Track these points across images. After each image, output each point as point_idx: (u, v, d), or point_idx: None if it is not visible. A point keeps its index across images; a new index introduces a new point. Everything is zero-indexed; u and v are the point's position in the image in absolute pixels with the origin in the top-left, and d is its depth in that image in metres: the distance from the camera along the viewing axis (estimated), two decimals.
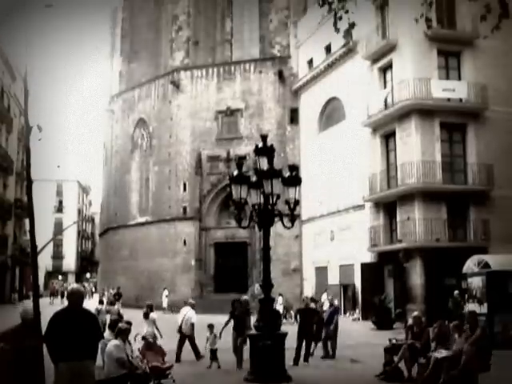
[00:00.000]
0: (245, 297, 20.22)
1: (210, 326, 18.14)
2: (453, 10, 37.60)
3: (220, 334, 18.19)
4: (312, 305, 21.25)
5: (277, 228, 17.17)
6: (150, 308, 19.39)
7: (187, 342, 19.10)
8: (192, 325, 19.13)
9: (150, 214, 57.28)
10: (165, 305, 47.15)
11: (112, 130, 65.12)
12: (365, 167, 40.54)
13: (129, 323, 13.12)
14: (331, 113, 47.66)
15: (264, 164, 15.46)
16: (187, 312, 19.44)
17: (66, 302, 9.50)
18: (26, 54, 16.92)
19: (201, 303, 43.93)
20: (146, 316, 18.99)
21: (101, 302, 33.22)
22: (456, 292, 28.89)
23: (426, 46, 37.27)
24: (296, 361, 18.29)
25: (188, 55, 56.78)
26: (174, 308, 47.11)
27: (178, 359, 18.29)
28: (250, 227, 17.03)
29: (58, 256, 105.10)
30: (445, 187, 35.79)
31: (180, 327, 19.20)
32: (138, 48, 63.00)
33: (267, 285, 16.01)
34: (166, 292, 48.76)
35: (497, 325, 22.36)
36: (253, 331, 15.91)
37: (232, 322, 18.31)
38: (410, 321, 17.33)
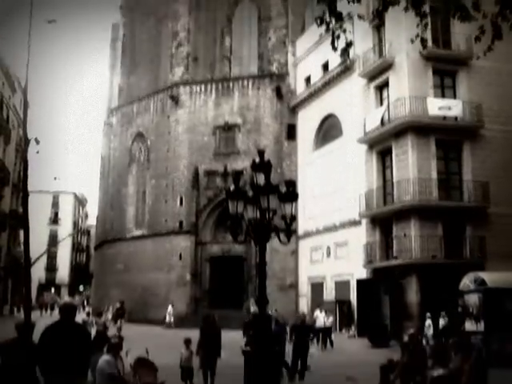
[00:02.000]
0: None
1: (187, 341, 16.78)
2: (448, 31, 37.92)
3: (197, 351, 16.95)
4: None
5: (273, 243, 17.12)
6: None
7: None
8: None
9: (145, 228, 57.19)
10: (168, 320, 46.84)
11: (110, 143, 65.17)
12: (361, 183, 40.61)
13: (120, 338, 12.90)
14: (328, 129, 47.78)
15: (261, 179, 15.44)
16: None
17: (55, 315, 9.44)
18: (26, 66, 16.98)
19: (195, 318, 43.87)
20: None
21: (88, 314, 33.29)
22: (459, 309, 28.68)
23: (421, 65, 37.66)
24: (291, 378, 18.18)
25: (187, 71, 57.00)
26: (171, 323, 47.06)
27: None
28: (246, 242, 17.03)
29: (51, 268, 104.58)
30: (441, 204, 35.85)
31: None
32: (138, 63, 63.34)
33: (262, 300, 15.96)
34: (170, 308, 48.29)
35: (494, 343, 22.28)
36: (247, 348, 15.84)
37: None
38: (406, 338, 17.28)
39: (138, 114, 60.41)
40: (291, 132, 52.59)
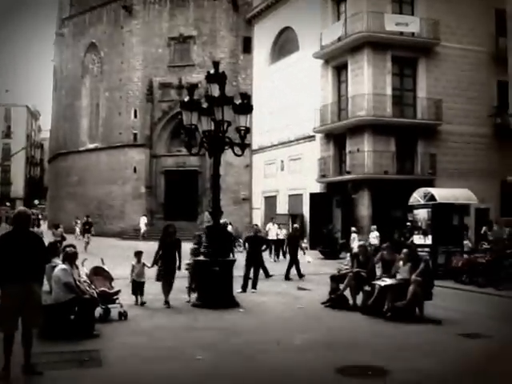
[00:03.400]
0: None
1: (138, 254, 15.80)
2: None
3: (154, 262, 15.80)
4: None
5: (227, 157, 17.29)
6: None
7: None
8: None
9: (99, 141, 56.75)
10: (142, 231, 46.83)
11: (62, 55, 63.82)
12: (316, 98, 40.62)
13: (74, 247, 13.02)
14: (284, 43, 47.38)
15: (215, 91, 15.44)
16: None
17: (9, 227, 9.33)
18: None
19: (150, 230, 44.27)
20: None
21: (38, 226, 33.21)
22: (408, 224, 29.28)
23: None
24: (244, 288, 18.57)
25: None
26: (125, 236, 47.29)
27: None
28: (200, 155, 17.09)
29: (5, 182, 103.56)
30: (394, 120, 36.14)
31: None
32: None
33: (216, 212, 16.18)
34: (143, 219, 48.31)
35: (440, 256, 22.94)
36: (201, 257, 16.10)
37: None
38: (356, 250, 17.76)
39: (90, 24, 58.95)
40: (247, 45, 51.99)
